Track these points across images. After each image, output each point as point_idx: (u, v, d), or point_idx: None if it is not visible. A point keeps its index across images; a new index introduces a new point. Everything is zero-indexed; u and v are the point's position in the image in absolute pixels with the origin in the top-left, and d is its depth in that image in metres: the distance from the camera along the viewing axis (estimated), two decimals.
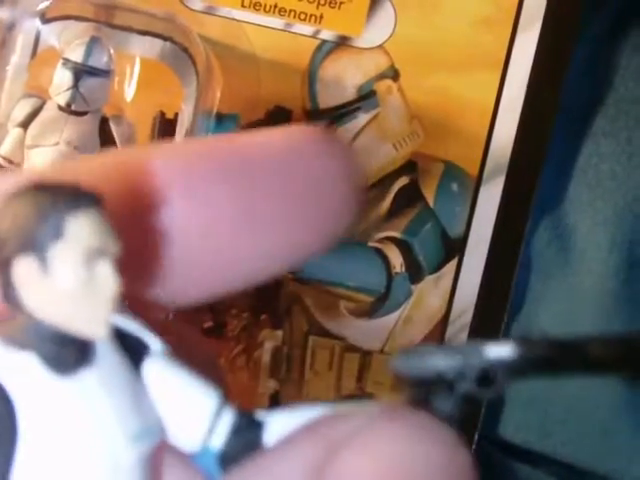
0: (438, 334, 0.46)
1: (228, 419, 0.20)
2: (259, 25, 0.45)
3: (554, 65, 0.45)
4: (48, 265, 0.17)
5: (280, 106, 0.46)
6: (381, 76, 0.46)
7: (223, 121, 0.45)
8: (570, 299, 0.47)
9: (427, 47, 0.45)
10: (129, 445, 0.18)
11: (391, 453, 0.19)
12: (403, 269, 0.46)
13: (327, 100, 0.46)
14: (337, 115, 0.46)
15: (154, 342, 0.19)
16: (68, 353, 0.18)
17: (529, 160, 0.45)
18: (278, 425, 0.20)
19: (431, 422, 0.20)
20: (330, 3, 0.45)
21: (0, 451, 0.17)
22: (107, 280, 0.17)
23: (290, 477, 0.20)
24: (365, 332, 0.45)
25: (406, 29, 0.45)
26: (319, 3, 0.45)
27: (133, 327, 0.19)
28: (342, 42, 0.45)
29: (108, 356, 0.19)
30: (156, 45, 0.44)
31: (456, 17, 0.45)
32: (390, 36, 0.45)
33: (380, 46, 0.45)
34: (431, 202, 0.46)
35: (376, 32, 0.45)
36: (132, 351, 0.19)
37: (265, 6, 0.45)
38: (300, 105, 0.46)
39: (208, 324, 0.45)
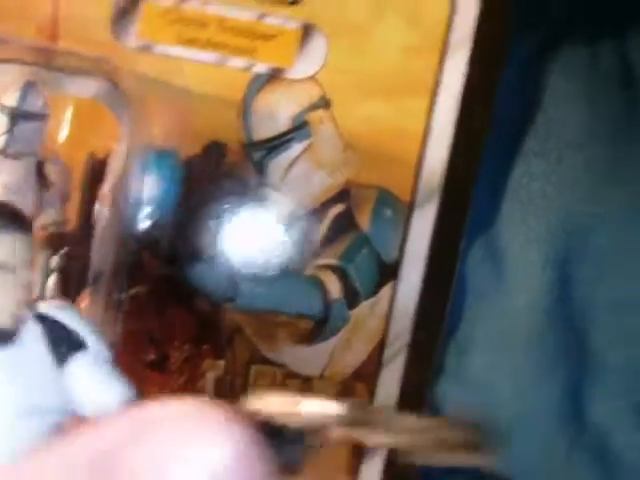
0: (376, 357, 0.47)
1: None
2: (194, 60, 0.47)
3: (484, 88, 0.47)
4: None
5: (216, 140, 0.47)
6: (313, 106, 0.47)
7: (162, 157, 0.47)
8: (504, 318, 0.49)
9: (358, 76, 0.46)
10: (16, 418, 0.23)
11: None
12: (340, 295, 0.47)
13: (262, 132, 0.47)
14: (271, 146, 0.47)
15: (91, 340, 0.25)
16: None
17: (461, 183, 0.46)
18: None
19: (226, 421, 0.22)
20: (263, 36, 0.46)
21: None
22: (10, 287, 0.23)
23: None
24: (305, 358, 0.47)
25: (337, 59, 0.46)
26: (252, 37, 0.46)
27: (75, 323, 0.25)
28: (275, 74, 0.47)
29: (30, 343, 0.24)
30: (91, 85, 0.45)
31: (386, 45, 0.46)
32: (322, 66, 0.46)
33: (312, 77, 0.47)
34: (366, 228, 0.47)
35: (308, 63, 0.47)
36: (64, 343, 0.24)
37: (199, 41, 0.47)
38: (235, 138, 0.47)
39: (151, 357, 0.47)
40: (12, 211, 0.24)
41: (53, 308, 0.26)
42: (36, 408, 0.24)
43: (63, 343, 0.25)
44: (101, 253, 0.45)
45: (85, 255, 0.45)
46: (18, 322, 0.24)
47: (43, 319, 0.25)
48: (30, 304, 0.25)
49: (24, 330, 0.25)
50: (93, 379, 0.25)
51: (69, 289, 0.45)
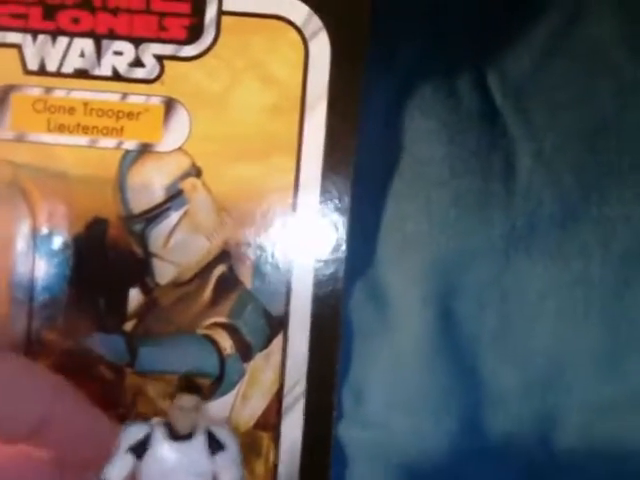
0: (276, 406, 0.49)
1: None
2: (66, 145, 0.49)
3: (345, 140, 0.49)
4: None
5: (97, 216, 0.49)
6: (185, 175, 0.49)
7: (49, 238, 0.49)
8: (393, 356, 0.51)
9: (223, 142, 0.49)
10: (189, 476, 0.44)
11: None
12: (233, 350, 0.49)
13: (139, 204, 0.49)
14: (150, 217, 0.49)
15: (230, 445, 0.45)
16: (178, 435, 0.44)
17: (335, 230, 0.49)
18: None
19: None
20: (128, 115, 0.49)
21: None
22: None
23: None
24: (208, 413, 0.48)
25: (201, 128, 0.49)
26: (118, 117, 0.49)
27: (223, 435, 0.45)
28: (145, 149, 0.49)
29: (198, 441, 0.44)
30: None
31: (245, 109, 0.49)
32: (187, 137, 0.49)
33: (180, 147, 0.49)
34: (249, 285, 0.49)
35: (174, 135, 0.49)
36: (215, 444, 0.44)
37: (69, 127, 0.49)
38: (115, 213, 0.49)
39: None
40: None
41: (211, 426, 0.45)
42: (198, 474, 0.43)
43: (214, 444, 0.44)
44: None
45: None
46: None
47: (205, 430, 0.44)
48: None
49: (196, 435, 0.44)
50: (228, 467, 0.44)
51: None
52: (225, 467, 0.44)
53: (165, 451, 0.43)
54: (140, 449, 0.43)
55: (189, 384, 0.45)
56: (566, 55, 0.52)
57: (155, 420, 0.44)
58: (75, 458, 0.43)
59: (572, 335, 0.52)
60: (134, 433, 0.44)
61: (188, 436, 0.43)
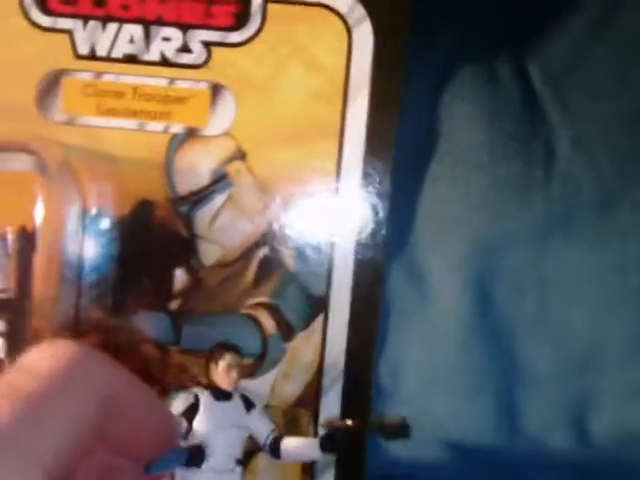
0: (316, 385, 0.51)
1: None
2: (115, 128, 0.50)
3: (386, 125, 0.50)
4: None
5: (144, 198, 0.51)
6: (230, 159, 0.51)
7: (97, 219, 0.50)
8: (432, 336, 0.52)
9: (267, 126, 0.50)
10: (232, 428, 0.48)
11: None
12: (275, 330, 0.51)
13: (185, 187, 0.51)
14: (196, 199, 0.51)
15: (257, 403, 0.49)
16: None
17: (375, 213, 0.50)
18: None
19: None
20: (176, 100, 0.50)
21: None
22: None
23: None
24: (250, 391, 0.50)
25: (247, 113, 0.50)
26: (166, 101, 0.50)
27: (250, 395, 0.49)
28: (191, 133, 0.50)
29: (236, 400, 0.48)
30: (23, 160, 0.49)
31: (290, 95, 0.50)
32: (233, 122, 0.50)
33: (226, 132, 0.50)
34: (291, 266, 0.51)
35: (220, 120, 0.50)
36: (248, 402, 0.48)
37: (118, 111, 0.50)
38: (161, 195, 0.51)
39: None
40: None
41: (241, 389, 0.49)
42: (241, 427, 0.48)
43: (248, 403, 0.48)
44: (46, 312, 0.49)
45: (28, 317, 0.49)
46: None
47: (239, 393, 0.48)
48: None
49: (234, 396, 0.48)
50: (261, 420, 0.48)
51: (16, 351, 0.48)
52: (259, 420, 0.49)
53: (212, 411, 0.47)
54: (190, 413, 0.47)
55: (229, 345, 0.48)
56: (605, 43, 0.53)
57: (197, 388, 0.48)
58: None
59: (608, 319, 0.53)
60: (182, 401, 0.48)
61: (229, 396, 0.48)
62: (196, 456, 0.46)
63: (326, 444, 0.47)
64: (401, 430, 0.46)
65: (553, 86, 0.53)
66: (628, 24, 0.53)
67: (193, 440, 0.47)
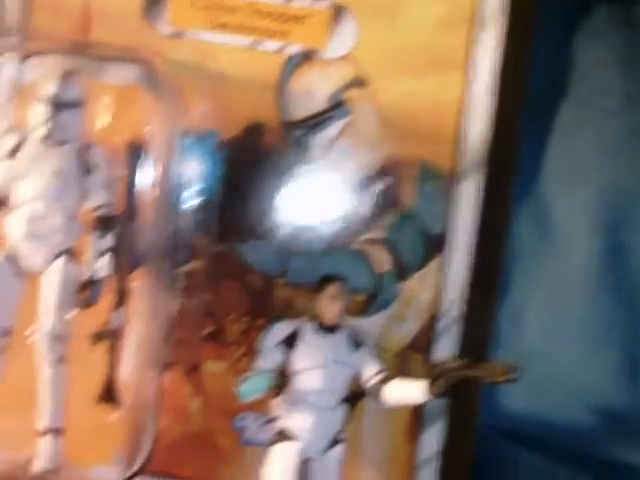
0: (430, 329, 0.48)
1: None
2: (227, 45, 0.48)
3: (517, 60, 0.48)
4: None
5: (254, 121, 0.48)
6: (349, 85, 0.48)
7: (202, 139, 0.48)
8: (557, 284, 0.50)
9: (392, 53, 0.48)
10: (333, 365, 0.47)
11: None
12: (389, 268, 0.48)
13: (300, 111, 0.48)
14: (311, 125, 0.48)
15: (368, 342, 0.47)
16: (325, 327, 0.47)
17: (502, 153, 0.48)
18: None
19: None
20: (293, 18, 0.48)
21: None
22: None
23: None
24: (360, 329, 0.48)
25: (369, 37, 0.48)
26: (282, 19, 0.48)
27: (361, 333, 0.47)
28: (308, 55, 0.48)
29: (341, 335, 0.47)
30: (127, 72, 0.47)
31: (417, 21, 0.48)
32: (354, 45, 0.48)
33: (346, 56, 0.48)
34: (410, 202, 0.48)
35: (340, 43, 0.48)
36: (357, 341, 0.47)
37: (230, 26, 0.48)
38: (273, 118, 0.48)
39: (208, 330, 0.48)
40: None
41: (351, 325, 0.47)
42: (344, 363, 0.46)
43: (355, 341, 0.46)
44: (151, 233, 0.46)
45: (134, 235, 0.46)
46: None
47: (347, 328, 0.47)
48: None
49: (340, 329, 0.46)
50: (369, 361, 0.46)
51: (122, 268, 0.46)
52: (366, 361, 0.46)
53: (314, 342, 0.46)
54: (290, 341, 0.46)
55: (335, 276, 0.46)
56: None
57: (301, 318, 0.47)
58: None
59: None
60: (283, 329, 0.46)
61: (333, 329, 0.46)
62: (280, 381, 0.45)
63: (436, 388, 0.44)
64: (509, 375, 0.44)
65: None
66: None
67: (289, 370, 0.45)
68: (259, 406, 0.47)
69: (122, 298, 0.46)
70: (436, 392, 0.44)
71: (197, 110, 0.48)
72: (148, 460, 0.47)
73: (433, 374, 0.44)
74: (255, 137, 0.48)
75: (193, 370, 0.49)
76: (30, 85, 0.46)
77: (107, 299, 0.46)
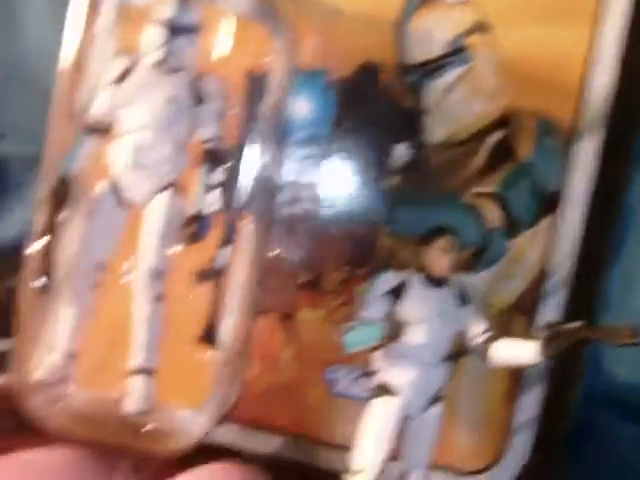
0: (536, 289, 0.47)
1: None
2: None
3: None
4: None
5: (369, 60, 0.46)
6: (471, 30, 0.46)
7: (312, 77, 0.46)
8: None
9: (517, 0, 0.46)
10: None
11: None
12: (499, 224, 0.47)
13: (418, 54, 0.46)
14: (429, 69, 0.46)
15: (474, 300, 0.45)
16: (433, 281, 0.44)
17: (626, 110, 0.46)
18: None
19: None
20: None
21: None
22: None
23: None
24: (467, 285, 0.46)
25: None
26: None
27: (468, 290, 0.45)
28: None
29: (449, 290, 0.44)
30: (244, 1, 0.44)
31: None
32: None
33: (470, 0, 0.46)
34: (526, 157, 0.47)
35: None
36: (464, 298, 0.45)
37: None
38: (390, 60, 0.46)
39: (305, 278, 0.47)
40: None
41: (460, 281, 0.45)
42: (450, 319, 0.44)
43: (463, 297, 0.44)
44: (258, 172, 0.44)
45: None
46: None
47: (455, 284, 0.45)
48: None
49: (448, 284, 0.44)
50: (476, 320, 0.44)
51: (231, 204, 0.44)
52: (472, 318, 0.45)
53: (421, 295, 0.44)
54: (397, 292, 0.44)
55: (446, 228, 0.44)
56: None
57: (407, 271, 0.44)
58: None
59: None
60: (390, 280, 0.44)
61: (441, 283, 0.44)
62: (392, 332, 0.43)
63: (550, 349, 0.43)
64: (630, 337, 0.42)
65: None
66: None
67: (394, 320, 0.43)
68: (353, 359, 0.45)
69: (229, 236, 0.44)
70: (550, 354, 0.42)
71: (310, 46, 0.46)
72: (235, 408, 0.45)
73: (548, 335, 0.42)
74: (369, 77, 0.46)
75: (288, 317, 0.47)
76: (142, 7, 0.44)
77: (214, 236, 0.44)
